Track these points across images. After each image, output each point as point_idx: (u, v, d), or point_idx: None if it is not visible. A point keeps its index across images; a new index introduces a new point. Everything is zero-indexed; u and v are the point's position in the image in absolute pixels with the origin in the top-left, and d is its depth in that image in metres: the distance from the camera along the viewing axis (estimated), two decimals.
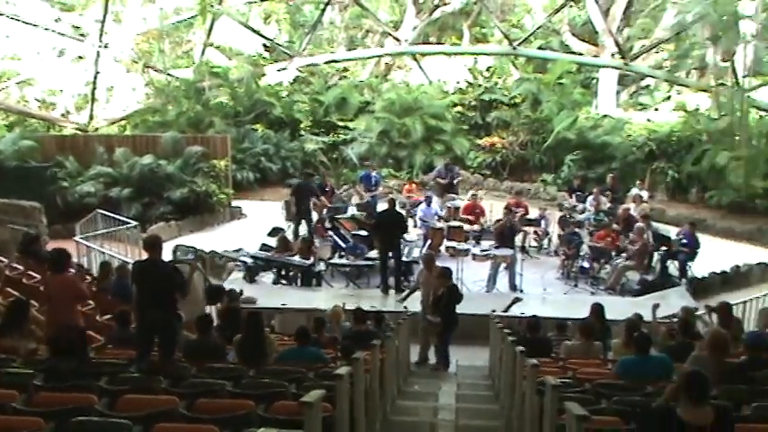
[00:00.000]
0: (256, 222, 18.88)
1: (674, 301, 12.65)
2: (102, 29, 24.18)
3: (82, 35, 25.25)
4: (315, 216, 17.34)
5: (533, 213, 17.75)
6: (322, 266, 14.78)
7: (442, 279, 10.87)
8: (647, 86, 30.20)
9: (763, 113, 20.90)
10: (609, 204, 17.86)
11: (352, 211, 17.73)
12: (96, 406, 5.17)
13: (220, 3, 25.57)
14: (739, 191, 19.82)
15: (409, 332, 11.27)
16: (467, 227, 16.83)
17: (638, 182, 19.98)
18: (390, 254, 14.07)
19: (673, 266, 15.15)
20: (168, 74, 25.58)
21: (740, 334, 8.32)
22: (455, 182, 19.43)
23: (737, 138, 20.15)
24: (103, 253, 13.95)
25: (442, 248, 16.22)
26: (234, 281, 14.29)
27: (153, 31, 26.59)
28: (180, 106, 24.26)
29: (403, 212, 16.43)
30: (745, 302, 12.18)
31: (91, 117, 24.76)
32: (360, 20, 32.48)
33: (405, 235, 15.05)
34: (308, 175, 17.69)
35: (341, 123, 25.41)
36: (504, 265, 14.55)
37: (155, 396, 5.53)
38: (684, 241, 15.05)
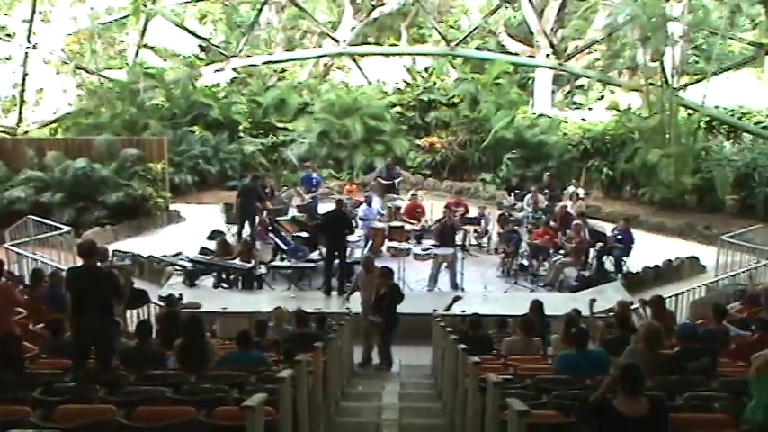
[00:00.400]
0: (195, 226, 18.61)
1: (610, 296, 12.93)
2: (29, 29, 23.51)
3: (8, 35, 24.51)
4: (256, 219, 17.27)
5: (473, 212, 17.94)
6: (263, 269, 14.67)
7: (383, 279, 10.91)
8: (582, 86, 30.86)
9: (690, 112, 21.48)
10: (546, 202, 18.15)
11: (292, 212, 17.64)
12: (31, 418, 5.02)
13: (154, 2, 25.10)
14: (670, 187, 20.32)
15: (352, 333, 11.26)
16: (408, 227, 16.92)
17: (573, 180, 20.43)
18: (336, 255, 14.09)
19: (608, 262, 15.50)
20: (101, 75, 25.00)
21: (673, 326, 8.57)
22: (396, 182, 19.54)
23: (667, 136, 20.67)
24: (35, 260, 13.58)
25: (384, 249, 16.28)
26: (173, 286, 14.06)
27: (84, 31, 25.94)
28: (114, 108, 23.74)
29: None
30: (677, 295, 12.55)
31: (20, 120, 24.04)
32: (297, 20, 32.32)
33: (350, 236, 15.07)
34: (255, 177, 17.50)
35: (280, 125, 25.25)
36: (445, 264, 14.66)
37: (92, 405, 5.39)
38: (619, 237, 15.43)
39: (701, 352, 6.80)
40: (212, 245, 15.39)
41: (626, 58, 27.86)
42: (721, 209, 20.01)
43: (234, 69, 26.71)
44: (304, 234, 15.72)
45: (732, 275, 13.85)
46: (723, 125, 22.27)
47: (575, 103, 29.69)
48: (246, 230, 16.48)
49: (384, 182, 19.34)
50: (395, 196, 18.95)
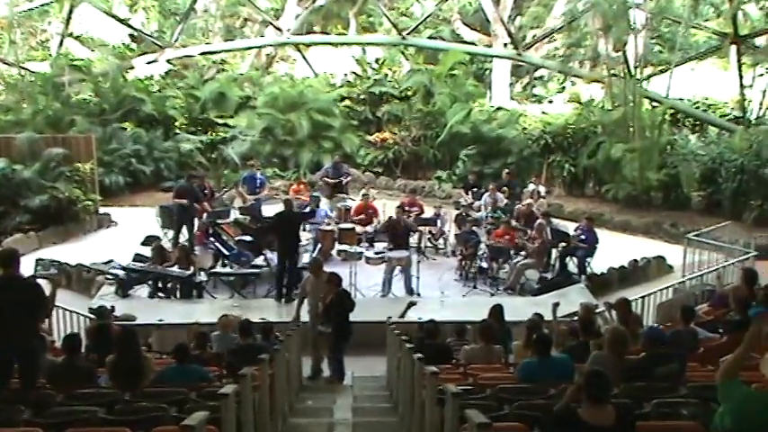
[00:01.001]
0: (128, 231, 18.35)
1: (573, 299, 13.11)
2: None
3: None
4: (195, 222, 17.05)
5: (428, 212, 18.02)
6: (203, 277, 14.53)
7: (331, 285, 10.90)
8: (541, 77, 31.30)
9: (655, 104, 21.86)
10: (506, 201, 18.34)
11: (234, 215, 17.49)
12: None
13: None
14: (634, 184, 20.68)
15: (300, 344, 11.22)
16: (359, 229, 16.91)
17: (534, 177, 20.67)
18: (288, 259, 14.10)
19: (572, 263, 15.73)
20: (22, 67, 24.46)
21: (639, 330, 8.70)
22: (345, 181, 19.50)
23: (631, 129, 20.99)
24: None
25: (334, 252, 16.25)
26: (104, 296, 13.86)
27: (1, 20, 25.38)
28: (36, 104, 23.24)
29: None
30: (643, 297, 12.78)
31: None
32: (237, 7, 32.12)
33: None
34: (192, 176, 17.30)
35: (219, 120, 25.00)
36: (399, 268, 14.69)
37: (16, 429, 5.30)
38: (583, 237, 15.65)
39: (668, 357, 6.92)
40: (147, 251, 15.17)
41: (587, 48, 28.32)
42: (688, 206, 20.45)
43: (168, 61, 26.40)
44: (247, 238, 15.61)
45: (699, 275, 14.12)
46: (688, 118, 22.82)
47: (534, 96, 30.09)
48: (184, 235, 16.32)
49: (331, 181, 19.28)
50: (344, 196, 18.93)
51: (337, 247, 16.12)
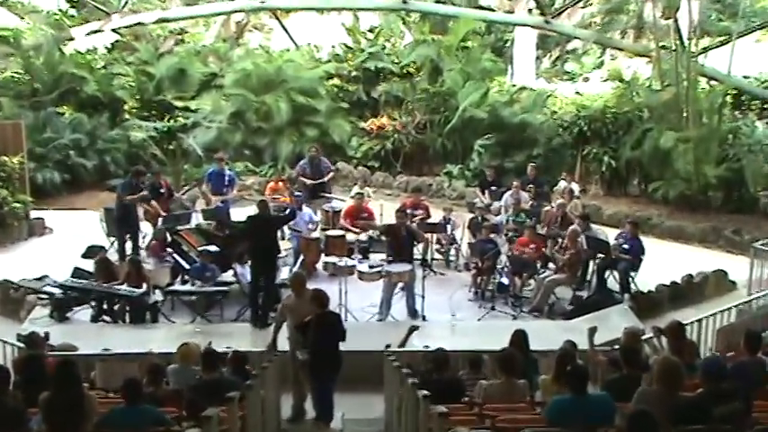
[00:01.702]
0: (66, 240, 18.34)
1: (615, 323, 13.12)
2: None
3: None
4: (148, 228, 16.98)
5: (436, 216, 18.05)
6: (158, 296, 14.52)
7: (316, 305, 10.89)
8: (574, 51, 31.34)
9: (714, 83, 21.82)
10: (531, 202, 18.36)
11: (197, 219, 17.47)
12: None
13: None
14: (689, 181, 20.65)
15: (279, 378, 11.20)
16: (351, 236, 16.90)
17: (565, 173, 20.66)
18: (263, 274, 14.10)
19: (612, 279, 15.74)
20: None
21: (695, 360, 8.70)
22: (326, 178, 19.42)
23: (685, 114, 20.97)
24: None
25: (319, 265, 16.24)
26: (37, 320, 13.84)
27: None
28: None
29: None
30: (700, 321, 12.74)
31: None
32: None
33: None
34: (139, 172, 17.28)
35: (179, 103, 25.00)
36: (400, 285, 14.70)
37: None
38: (626, 247, 15.63)
39: (730, 394, 6.91)
40: (90, 265, 15.16)
41: (631, 15, 28.37)
42: (754, 208, 20.45)
43: (115, 31, 26.33)
44: (213, 248, 15.58)
45: None
46: (754, 100, 22.78)
47: (566, 73, 30.14)
48: (130, 245, 16.44)
49: (309, 181, 19.15)
50: (330, 196, 18.91)
51: (324, 259, 16.11)
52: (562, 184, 19.32)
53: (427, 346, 11.29)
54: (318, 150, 20.25)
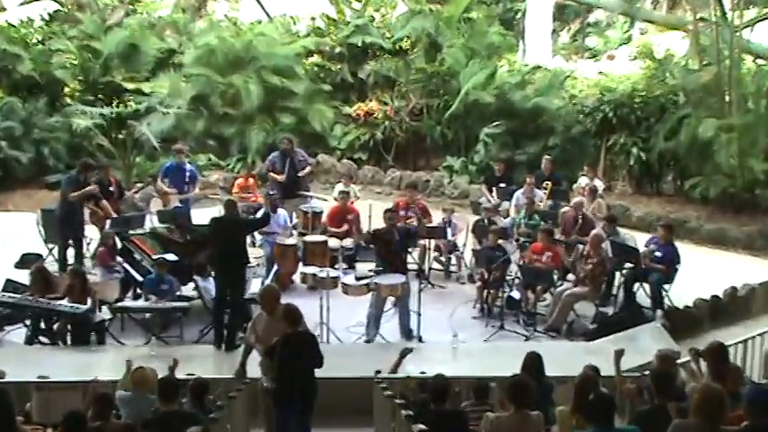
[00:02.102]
0: None
1: (645, 345, 13.11)
2: None
3: None
4: (94, 233, 16.93)
5: (435, 218, 18.05)
6: (106, 314, 14.47)
7: (287, 323, 10.82)
8: (597, 23, 31.38)
9: (761, 61, 21.81)
10: (547, 201, 18.38)
11: (151, 222, 17.42)
12: None
13: None
14: (732, 177, 20.71)
15: (248, 410, 11.17)
16: (333, 242, 16.88)
17: (586, 167, 20.64)
18: (231, 287, 14.05)
19: (642, 292, 15.73)
20: None
21: (740, 388, 8.70)
22: (301, 174, 19.29)
23: (727, 98, 20.98)
24: None
25: (296, 277, 16.23)
26: None
27: None
28: None
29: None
30: (745, 342, 12.71)
31: None
32: None
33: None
34: (87, 165, 17.19)
35: (130, 86, 24.91)
36: (391, 299, 14.68)
37: None
38: (658, 254, 15.61)
39: None
40: (24, 276, 15.11)
41: None
42: None
43: None
44: (171, 257, 15.55)
45: None
46: None
47: (587, 50, 30.16)
48: (72, 252, 16.40)
49: (280, 178, 19.02)
50: (308, 195, 18.84)
51: (301, 269, 16.09)
52: (583, 180, 19.29)
53: (423, 372, 11.28)
54: (291, 143, 19.81)
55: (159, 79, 25.09)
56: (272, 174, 19.17)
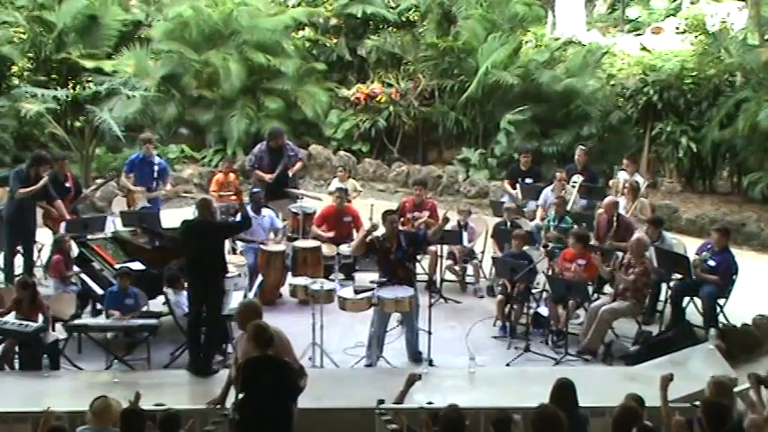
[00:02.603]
0: None
1: (697, 369, 13.10)
2: None
3: None
4: (47, 238, 16.94)
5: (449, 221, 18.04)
6: (60, 332, 14.46)
7: (253, 343, 10.73)
8: None
9: None
10: (581, 200, 18.40)
11: (114, 225, 17.43)
12: None
13: None
14: None
15: None
16: (327, 249, 16.89)
17: (625, 160, 20.56)
18: (204, 302, 13.99)
19: (693, 307, 15.74)
20: None
21: None
22: (292, 171, 19.22)
23: None
24: None
25: (285, 289, 16.21)
26: None
27: None
28: None
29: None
30: None
31: None
32: None
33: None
34: (41, 159, 17.19)
35: (89, 64, 24.94)
36: (397, 316, 14.71)
37: None
38: (711, 263, 15.59)
39: None
40: None
41: None
42: None
43: None
44: (136, 266, 15.55)
45: None
46: None
47: (629, 22, 30.12)
48: (21, 260, 16.44)
49: (268, 176, 18.99)
50: (299, 192, 18.82)
51: (290, 280, 16.08)
52: (622, 175, 19.19)
53: (431, 403, 11.29)
54: (282, 137, 19.84)
55: (123, 57, 25.08)
56: (258, 172, 19.09)
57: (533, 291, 15.72)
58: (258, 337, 10.65)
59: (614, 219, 16.77)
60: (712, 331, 15.12)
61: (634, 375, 13.06)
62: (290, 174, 19.21)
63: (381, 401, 11.75)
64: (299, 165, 19.79)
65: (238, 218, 15.49)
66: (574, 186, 18.39)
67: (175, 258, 15.04)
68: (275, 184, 18.79)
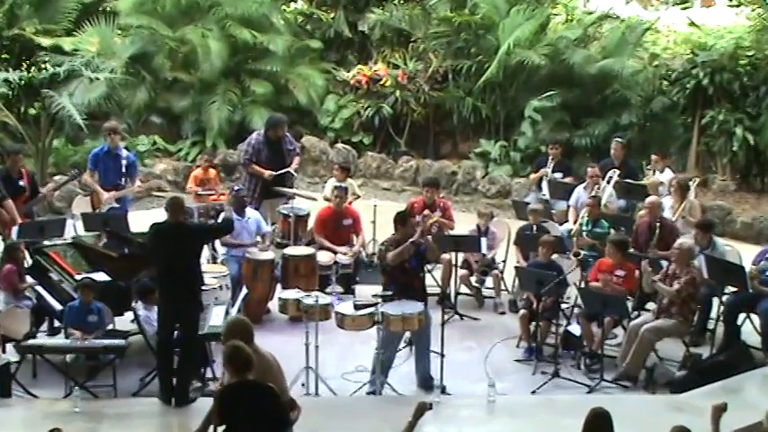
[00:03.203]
0: None
1: (753, 398, 13.11)
2: None
3: None
4: None
5: (464, 224, 18.06)
6: (12, 354, 14.46)
7: (229, 368, 10.70)
8: None
9: None
10: (618, 201, 18.36)
11: (75, 229, 17.45)
12: None
13: None
14: None
15: None
16: (324, 256, 16.90)
17: (654, 156, 20.39)
18: (178, 320, 13.96)
19: (749, 326, 15.71)
20: None
21: None
22: (292, 167, 19.16)
23: None
24: None
25: (273, 303, 16.20)
26: None
27: None
28: None
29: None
30: None
31: None
32: None
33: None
34: None
35: (45, 41, 25.02)
36: (405, 335, 14.71)
37: None
38: None
39: None
40: None
41: None
42: None
43: None
44: (101, 276, 15.56)
45: None
46: None
47: None
48: None
49: (267, 173, 18.94)
50: (291, 191, 18.82)
51: (280, 293, 16.05)
52: (666, 174, 19.18)
53: None
54: (283, 126, 19.67)
55: (85, 33, 25.16)
56: (255, 167, 18.97)
57: (563, 306, 15.71)
58: (231, 360, 10.49)
59: (656, 222, 16.73)
60: None
61: (681, 405, 13.07)
62: (290, 169, 19.00)
63: None
64: (297, 160, 19.58)
65: (220, 219, 15.53)
66: (609, 182, 18.33)
67: (146, 268, 15.03)
68: (273, 181, 18.75)
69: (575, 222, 17.96)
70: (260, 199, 18.20)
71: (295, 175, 19.28)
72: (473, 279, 17.70)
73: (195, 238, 14.55)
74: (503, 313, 17.22)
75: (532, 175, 20.37)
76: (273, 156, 18.96)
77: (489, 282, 17.70)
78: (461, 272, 17.44)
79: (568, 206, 18.52)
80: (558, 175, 19.42)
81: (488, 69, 24.13)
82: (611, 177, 18.49)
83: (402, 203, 18.19)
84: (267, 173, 18.68)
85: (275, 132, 19.12)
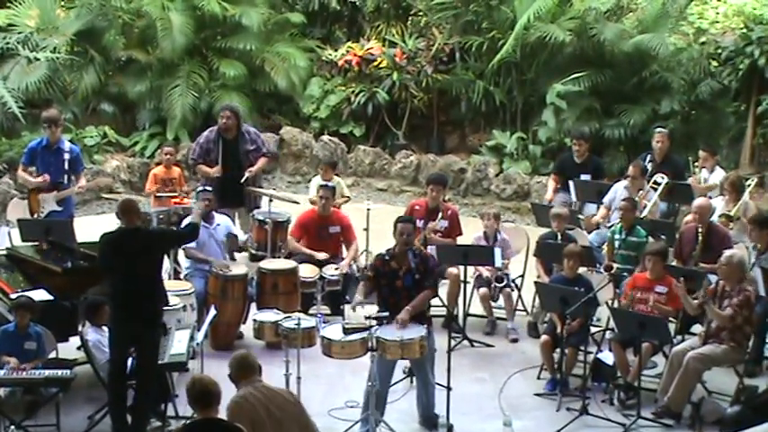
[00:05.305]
0: None
1: None
2: None
3: None
4: None
5: (472, 231, 18.11)
6: None
7: (195, 405, 10.70)
8: None
9: None
10: (660, 203, 18.30)
11: (9, 238, 17.46)
12: None
13: None
14: None
15: None
16: (307, 270, 16.90)
17: (701, 152, 20.36)
18: (134, 346, 13.93)
19: None
20: None
21: None
22: (254, 168, 19.06)
23: None
24: None
25: (247, 327, 16.19)
26: None
27: None
28: None
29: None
30: None
31: None
32: None
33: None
34: None
35: None
36: (405, 364, 14.69)
37: None
38: None
39: None
40: None
41: None
42: None
43: None
44: (41, 294, 15.56)
45: None
46: None
47: None
48: None
49: (213, 170, 18.85)
50: (267, 193, 18.80)
51: (255, 315, 16.04)
52: (717, 174, 19.13)
53: None
54: (236, 117, 19.53)
55: (22, 6, 25.16)
56: (202, 167, 19.05)
57: (592, 330, 15.70)
58: (199, 396, 10.35)
59: (701, 229, 16.58)
60: None
61: None
62: (247, 175, 18.96)
63: None
64: (261, 162, 19.53)
65: (184, 224, 15.44)
66: (655, 188, 18.27)
67: (96, 283, 15.00)
68: (230, 187, 18.67)
69: (604, 219, 17.96)
70: (225, 201, 18.10)
71: (244, 177, 19.01)
72: (486, 296, 17.61)
73: (155, 246, 14.40)
74: (515, 340, 17.24)
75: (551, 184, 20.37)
76: (227, 155, 18.98)
77: (503, 300, 17.58)
78: (481, 291, 17.53)
79: (599, 205, 18.42)
80: (586, 177, 19.27)
81: (503, 47, 24.15)
82: (657, 183, 18.43)
83: (401, 207, 18.21)
84: (213, 170, 18.77)
85: (225, 125, 19.07)
